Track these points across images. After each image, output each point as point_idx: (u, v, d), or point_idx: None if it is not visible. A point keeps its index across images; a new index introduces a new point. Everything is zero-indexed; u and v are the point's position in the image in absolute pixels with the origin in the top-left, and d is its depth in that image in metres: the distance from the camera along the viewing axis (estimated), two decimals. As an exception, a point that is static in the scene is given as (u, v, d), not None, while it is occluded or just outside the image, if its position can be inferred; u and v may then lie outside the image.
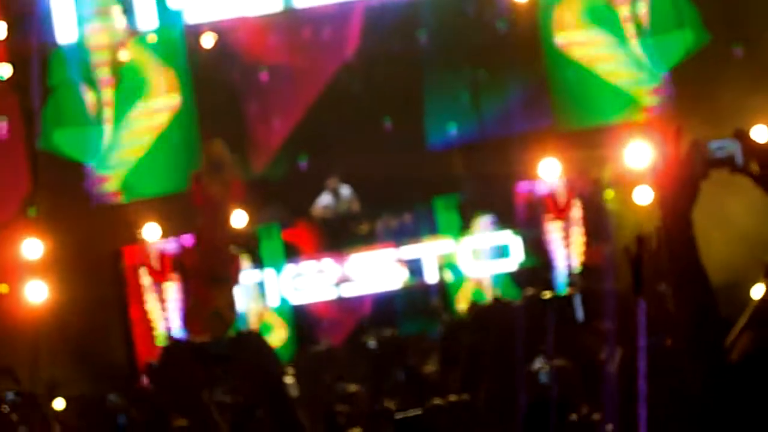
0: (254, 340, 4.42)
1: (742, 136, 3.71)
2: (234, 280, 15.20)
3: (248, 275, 15.66)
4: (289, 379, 9.60)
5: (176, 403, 4.50)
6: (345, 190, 16.43)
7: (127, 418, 8.67)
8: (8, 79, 16.50)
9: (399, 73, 16.78)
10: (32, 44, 16.27)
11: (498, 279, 15.39)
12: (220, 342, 4.49)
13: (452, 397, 5.39)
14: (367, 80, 17.08)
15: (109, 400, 10.99)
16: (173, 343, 5.17)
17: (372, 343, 14.12)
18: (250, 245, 15.67)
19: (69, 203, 15.57)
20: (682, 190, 3.66)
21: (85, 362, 14.48)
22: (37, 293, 14.05)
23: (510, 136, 15.88)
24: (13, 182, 16.32)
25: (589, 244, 15.20)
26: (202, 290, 15.23)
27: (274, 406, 4.18)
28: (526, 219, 15.47)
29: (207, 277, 15.18)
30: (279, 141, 17.24)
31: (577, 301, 12.20)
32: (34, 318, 13.82)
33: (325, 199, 16.44)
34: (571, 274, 14.94)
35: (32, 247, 14.46)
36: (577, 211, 15.40)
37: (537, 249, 15.41)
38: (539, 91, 16.70)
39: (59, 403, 11.65)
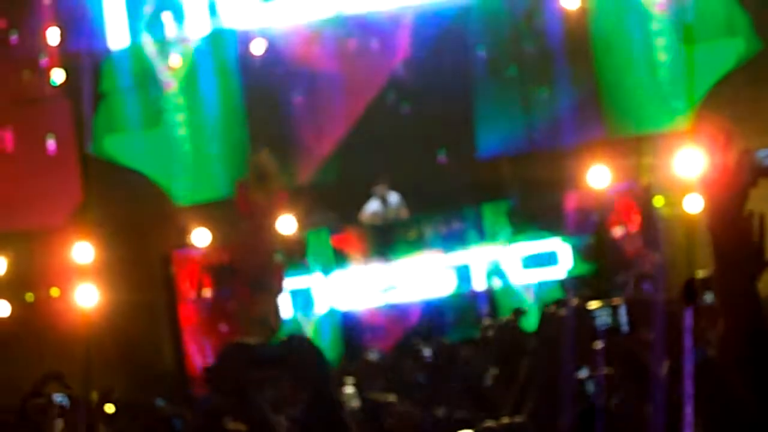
0: (305, 344, 4.45)
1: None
2: (278, 288, 15.26)
3: (296, 282, 15.70)
4: (349, 389, 9.58)
5: (232, 406, 4.54)
6: (393, 197, 16.42)
7: (183, 423, 8.69)
8: (61, 85, 16.64)
9: (450, 83, 16.77)
10: (84, 50, 16.42)
11: (546, 286, 15.34)
12: (273, 345, 4.53)
13: (505, 419, 5.37)
14: (417, 89, 17.07)
15: (157, 406, 11.03)
16: (230, 345, 5.21)
17: (427, 351, 14.03)
18: (297, 253, 15.72)
19: (119, 208, 15.67)
20: (731, 198, 3.65)
21: (134, 367, 14.56)
22: (87, 297, 14.14)
23: (560, 144, 15.85)
24: (65, 187, 16.46)
25: (640, 253, 15.13)
26: (247, 297, 15.30)
27: (322, 409, 4.20)
28: (576, 227, 15.42)
29: (251, 283, 15.25)
30: (328, 148, 17.27)
31: (623, 311, 12.15)
32: (85, 322, 13.91)
33: (373, 206, 16.45)
34: (619, 283, 14.86)
35: (83, 252, 14.57)
36: (628, 220, 15.33)
37: (587, 257, 15.36)
38: (590, 99, 16.65)
39: (110, 409, 11.72)
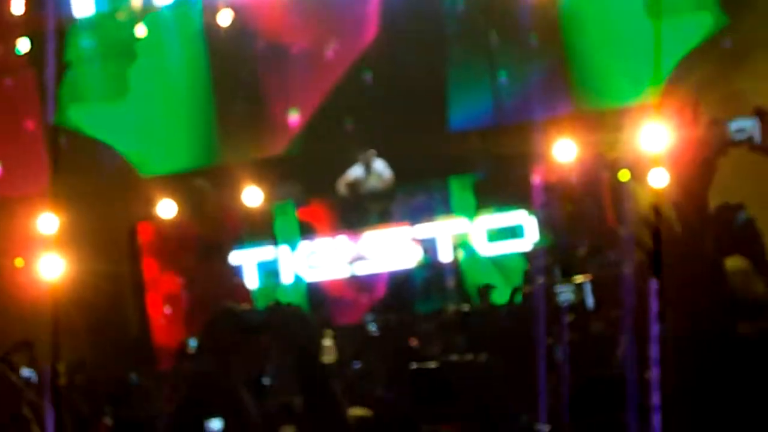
0: (292, 309, 4.46)
1: (762, 115, 3.70)
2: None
3: (262, 253, 15.71)
4: (327, 342, 9.61)
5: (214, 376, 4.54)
6: (379, 165, 16.34)
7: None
8: (25, 54, 16.53)
9: (419, 56, 16.75)
10: (49, 19, 16.29)
11: (511, 259, 15.40)
12: (259, 310, 4.54)
13: (469, 356, 5.40)
14: (386, 63, 17.04)
15: (131, 380, 11.03)
16: (217, 312, 5.21)
17: (373, 326, 14.02)
18: (262, 225, 15.73)
19: (85, 179, 15.59)
20: (699, 169, 3.66)
21: (101, 339, 14.53)
22: (52, 268, 14.05)
23: (527, 118, 15.87)
24: (30, 158, 16.36)
25: (604, 227, 15.19)
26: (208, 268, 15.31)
27: (308, 374, 4.21)
28: (542, 200, 15.46)
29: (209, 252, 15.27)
30: (297, 120, 17.23)
31: (588, 288, 12.20)
32: (51, 293, 13.83)
33: (356, 171, 16.35)
34: (583, 258, 14.92)
35: (48, 222, 14.47)
36: (592, 194, 15.38)
37: (551, 230, 15.41)
38: (558, 73, 16.67)
39: (78, 381, 11.68)
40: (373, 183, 16.35)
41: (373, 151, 16.24)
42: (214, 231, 15.51)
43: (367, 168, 16.33)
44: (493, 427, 5.29)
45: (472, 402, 5.37)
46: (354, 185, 16.33)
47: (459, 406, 5.37)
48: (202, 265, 15.34)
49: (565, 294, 11.66)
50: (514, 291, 12.82)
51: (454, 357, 5.48)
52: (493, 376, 5.40)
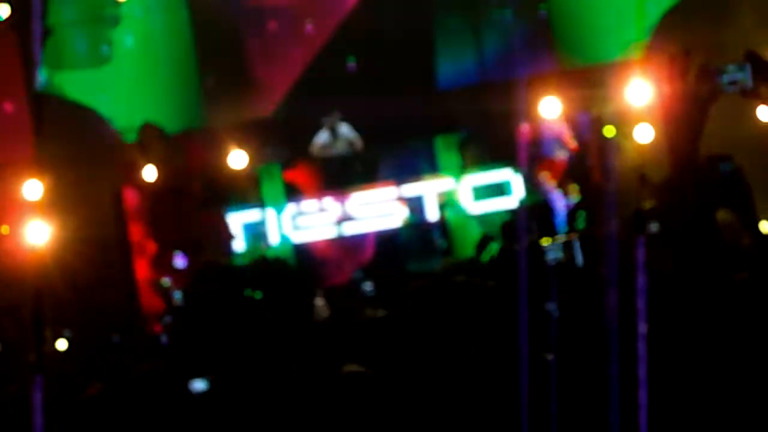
0: (280, 264, 4.47)
1: (753, 59, 3.69)
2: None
3: (249, 215, 15.69)
4: (319, 301, 9.62)
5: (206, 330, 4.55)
6: (344, 128, 16.32)
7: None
8: (6, 20, 16.42)
9: (404, 15, 16.70)
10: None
11: (498, 216, 15.41)
12: (246, 264, 4.56)
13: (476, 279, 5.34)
14: (371, 22, 16.98)
15: (113, 341, 11.03)
16: (204, 266, 5.21)
17: (368, 285, 14.00)
18: (248, 188, 15.71)
19: (69, 144, 15.55)
20: (690, 119, 3.65)
21: (86, 304, 14.52)
22: (38, 234, 14.03)
23: (512, 76, 15.84)
24: (13, 124, 16.30)
25: (590, 184, 15.20)
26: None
27: (298, 327, 4.23)
28: (528, 157, 15.45)
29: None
30: (282, 83, 17.19)
31: (577, 246, 12.23)
32: (36, 259, 13.83)
33: (322, 137, 16.33)
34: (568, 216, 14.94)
35: (33, 188, 14.44)
36: (578, 150, 15.38)
37: (538, 188, 15.41)
38: (542, 30, 16.64)
39: (61, 345, 11.69)
40: (341, 147, 16.30)
41: (337, 114, 16.17)
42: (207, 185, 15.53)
43: (333, 132, 16.27)
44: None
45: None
46: (324, 150, 16.30)
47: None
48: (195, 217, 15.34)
49: (553, 252, 11.70)
50: (501, 249, 12.84)
51: (460, 278, 5.43)
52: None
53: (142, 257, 15.64)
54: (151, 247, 15.54)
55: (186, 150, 15.96)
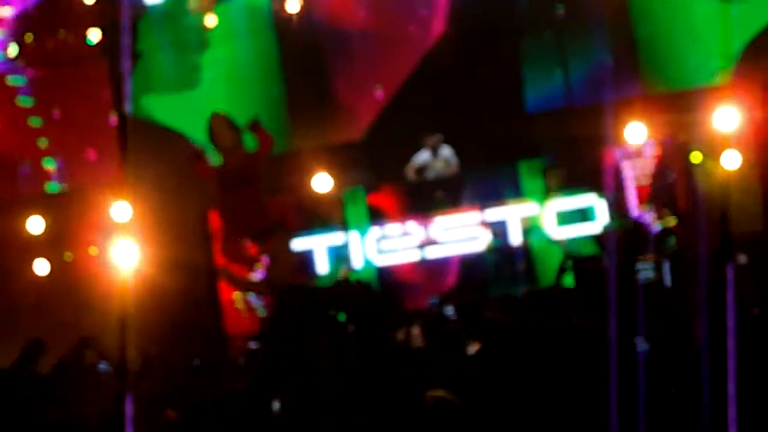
0: (361, 286, 4.49)
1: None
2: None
3: (333, 238, 15.76)
4: (415, 330, 9.61)
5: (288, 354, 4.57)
6: (445, 150, 16.41)
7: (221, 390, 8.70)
8: (97, 44, 16.68)
9: (491, 39, 16.72)
10: (120, 8, 16.40)
11: (582, 242, 15.33)
12: (326, 287, 4.57)
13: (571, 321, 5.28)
14: (456, 46, 17.01)
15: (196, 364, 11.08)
16: (285, 290, 5.25)
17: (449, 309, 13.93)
18: (333, 211, 15.77)
19: (157, 167, 15.72)
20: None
21: (173, 326, 14.63)
22: (125, 256, 14.19)
23: (597, 101, 15.78)
24: (103, 147, 16.53)
25: (677, 208, 15.08)
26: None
27: (376, 348, 4.24)
28: (613, 183, 15.38)
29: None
30: (367, 107, 17.27)
31: (666, 267, 12.16)
32: (124, 280, 13.97)
33: (422, 157, 16.43)
34: (656, 239, 14.82)
35: (121, 210, 14.60)
36: (664, 176, 15.27)
37: (623, 213, 15.33)
38: (628, 55, 16.57)
39: (148, 365, 11.77)
40: (440, 168, 16.38)
41: (440, 136, 16.29)
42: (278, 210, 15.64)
43: (434, 153, 16.39)
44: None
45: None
46: (421, 170, 16.39)
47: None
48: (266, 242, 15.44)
49: (645, 271, 11.71)
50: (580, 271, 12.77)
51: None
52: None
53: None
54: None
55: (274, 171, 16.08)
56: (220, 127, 15.73)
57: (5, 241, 15.81)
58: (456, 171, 16.28)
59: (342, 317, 5.63)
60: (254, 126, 15.59)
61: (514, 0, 17.05)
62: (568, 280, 13.79)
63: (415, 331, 9.28)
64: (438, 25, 17.19)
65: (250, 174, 15.46)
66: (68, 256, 15.99)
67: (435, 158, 16.41)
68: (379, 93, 17.18)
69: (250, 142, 15.68)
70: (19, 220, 15.87)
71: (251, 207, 15.32)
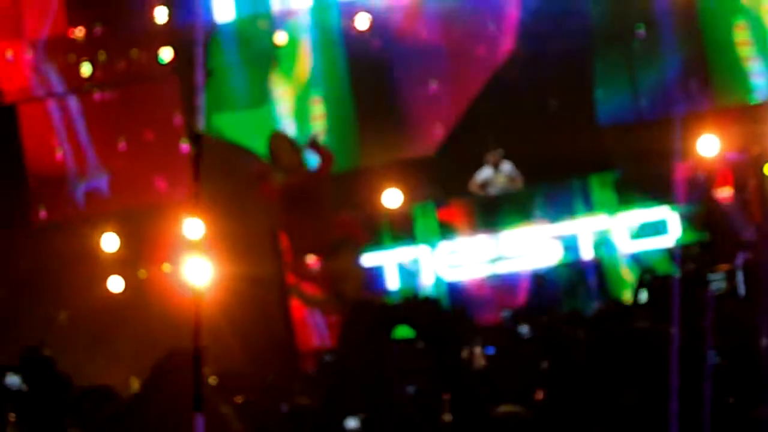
0: (430, 302, 4.50)
1: None
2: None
3: (403, 253, 15.78)
4: (477, 349, 9.59)
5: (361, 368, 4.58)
6: (506, 166, 16.42)
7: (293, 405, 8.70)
8: (169, 63, 16.84)
9: (558, 53, 16.69)
10: (192, 27, 16.57)
11: (654, 256, 15.22)
12: (397, 305, 4.58)
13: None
14: (524, 60, 16.98)
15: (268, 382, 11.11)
16: (356, 307, 5.27)
17: (524, 328, 13.87)
18: (403, 226, 15.79)
19: (228, 184, 15.83)
20: None
21: (246, 343, 14.70)
22: (198, 273, 14.30)
23: (668, 114, 15.70)
24: (175, 165, 16.69)
25: (751, 220, 14.95)
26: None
27: (447, 365, 4.24)
28: (686, 196, 15.27)
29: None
30: (437, 122, 17.30)
31: (740, 276, 12.09)
32: (197, 297, 14.07)
33: (485, 173, 16.45)
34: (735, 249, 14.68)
35: (193, 227, 14.72)
36: (737, 188, 15.14)
37: (696, 225, 15.21)
38: (698, 68, 16.47)
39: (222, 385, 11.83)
40: (502, 183, 16.37)
41: (501, 152, 16.29)
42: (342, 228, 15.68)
43: (496, 168, 16.39)
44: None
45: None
46: (484, 186, 16.39)
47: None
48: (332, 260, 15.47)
49: (717, 282, 11.67)
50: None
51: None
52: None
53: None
54: (309, 289, 15.72)
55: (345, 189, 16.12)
56: (280, 146, 15.80)
57: (80, 259, 15.98)
58: (519, 186, 16.26)
59: (412, 334, 5.65)
60: (313, 143, 15.65)
61: (584, 14, 17.00)
62: (645, 296, 13.70)
63: (477, 350, 9.26)
64: (508, 41, 17.18)
65: (313, 192, 15.51)
66: (142, 273, 16.14)
67: (497, 174, 16.41)
68: (448, 110, 17.17)
69: (311, 159, 15.75)
70: (93, 237, 16.03)
71: (315, 225, 15.35)
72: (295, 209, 15.48)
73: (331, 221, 15.60)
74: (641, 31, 16.81)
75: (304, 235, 15.46)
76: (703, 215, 15.24)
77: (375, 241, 15.76)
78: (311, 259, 15.42)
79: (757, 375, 4.92)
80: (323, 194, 15.60)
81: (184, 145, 16.78)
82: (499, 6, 17.15)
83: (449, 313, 4.37)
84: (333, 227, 15.53)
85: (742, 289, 11.93)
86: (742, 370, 5.18)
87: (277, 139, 15.95)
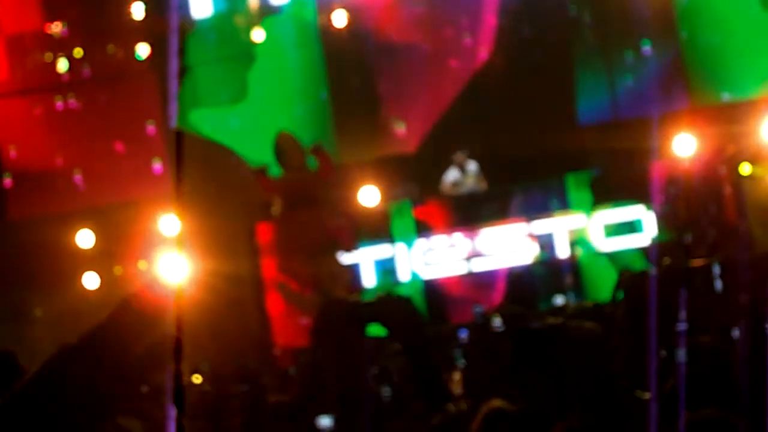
0: (402, 301, 4.50)
1: None
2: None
3: (379, 251, 15.79)
4: (456, 377, 9.62)
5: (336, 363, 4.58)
6: (471, 166, 16.44)
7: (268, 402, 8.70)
8: (146, 59, 16.81)
9: (534, 51, 16.72)
10: (169, 24, 16.55)
11: (630, 254, 15.27)
12: (369, 302, 4.59)
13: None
14: (500, 59, 17.01)
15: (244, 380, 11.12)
16: (329, 303, 5.26)
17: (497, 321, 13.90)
18: (379, 225, 15.80)
19: (204, 181, 15.80)
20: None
21: (221, 340, 14.69)
22: (174, 270, 14.26)
23: (644, 113, 15.74)
24: (151, 161, 16.65)
25: (723, 219, 15.00)
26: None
27: (418, 364, 4.24)
28: (661, 195, 15.31)
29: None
30: (415, 121, 17.30)
31: (716, 271, 12.11)
32: (174, 294, 14.03)
33: (452, 175, 16.48)
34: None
35: (170, 224, 14.70)
36: (712, 187, 15.18)
37: (672, 225, 15.25)
38: (675, 67, 16.51)
39: (197, 380, 11.83)
40: (470, 184, 16.39)
41: (465, 153, 16.31)
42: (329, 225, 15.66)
43: (462, 170, 16.42)
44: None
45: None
46: (455, 187, 16.42)
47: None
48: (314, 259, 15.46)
49: (693, 277, 11.68)
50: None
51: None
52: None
53: (276, 293, 15.81)
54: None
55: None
56: (289, 145, 15.77)
57: (55, 255, 15.93)
58: (484, 186, 16.30)
59: (382, 332, 5.65)
60: (317, 150, 15.63)
61: (563, 12, 17.04)
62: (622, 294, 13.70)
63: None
64: (487, 40, 17.19)
65: (313, 195, 15.49)
66: (118, 270, 16.10)
67: (464, 175, 16.44)
68: (425, 106, 17.19)
69: (311, 164, 15.73)
70: (69, 233, 15.98)
71: (311, 227, 15.33)
72: (293, 208, 15.47)
73: (325, 224, 15.57)
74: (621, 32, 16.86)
75: (298, 235, 15.43)
76: (678, 212, 15.28)
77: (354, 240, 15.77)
78: (302, 259, 15.38)
79: (730, 372, 4.94)
80: (321, 197, 15.58)
81: (161, 142, 16.74)
82: (479, 4, 17.16)
83: (420, 311, 4.37)
84: (326, 230, 15.50)
85: (718, 285, 11.95)
86: (715, 367, 5.19)
87: (285, 138, 15.94)
